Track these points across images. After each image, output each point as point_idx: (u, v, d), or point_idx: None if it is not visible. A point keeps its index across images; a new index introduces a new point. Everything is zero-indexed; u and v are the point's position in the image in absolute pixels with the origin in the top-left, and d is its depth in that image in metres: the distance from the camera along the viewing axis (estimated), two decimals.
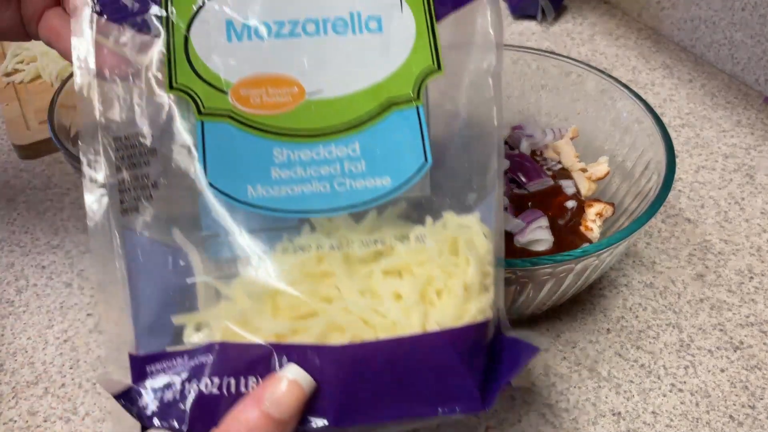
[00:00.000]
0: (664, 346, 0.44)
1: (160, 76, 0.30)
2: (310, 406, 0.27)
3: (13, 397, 0.41)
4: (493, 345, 0.30)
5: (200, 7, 0.31)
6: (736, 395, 0.41)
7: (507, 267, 0.37)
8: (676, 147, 0.61)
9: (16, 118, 0.62)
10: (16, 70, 0.68)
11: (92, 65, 0.31)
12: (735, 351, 0.44)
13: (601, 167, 0.48)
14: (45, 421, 0.40)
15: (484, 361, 0.30)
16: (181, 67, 0.31)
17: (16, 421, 0.40)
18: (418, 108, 0.31)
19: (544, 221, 0.43)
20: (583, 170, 0.48)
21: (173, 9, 0.31)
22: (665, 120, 0.64)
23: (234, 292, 0.29)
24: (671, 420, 0.40)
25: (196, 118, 0.30)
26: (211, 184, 0.29)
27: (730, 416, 0.40)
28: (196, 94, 0.30)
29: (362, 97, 0.31)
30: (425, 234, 0.30)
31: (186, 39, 0.31)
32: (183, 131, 0.30)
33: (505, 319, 0.32)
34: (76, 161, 0.44)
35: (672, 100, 0.66)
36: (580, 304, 0.47)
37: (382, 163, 0.30)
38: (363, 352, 0.28)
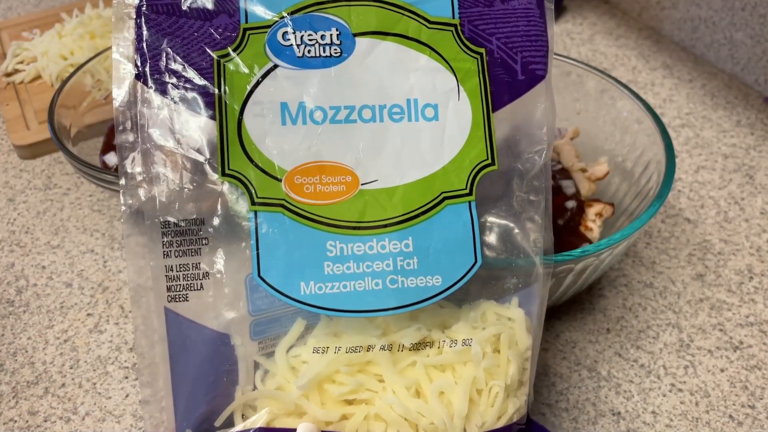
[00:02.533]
0: (664, 346, 0.44)
1: (212, 160, 0.29)
2: None
3: (13, 397, 0.41)
4: None
5: (254, 87, 0.30)
6: (736, 395, 0.41)
7: (505, 266, 0.37)
8: (676, 147, 0.61)
9: (16, 118, 0.62)
10: (16, 70, 0.68)
11: (138, 138, 0.29)
12: (735, 351, 0.44)
13: (601, 167, 0.48)
14: (45, 421, 0.40)
15: None
16: (234, 151, 0.29)
17: (16, 421, 0.40)
18: (470, 204, 0.30)
19: None
20: (583, 170, 0.48)
21: (227, 88, 0.30)
22: (665, 120, 0.64)
23: (279, 370, 0.29)
24: (671, 420, 0.40)
25: (249, 207, 0.29)
26: (264, 280, 0.28)
27: (730, 416, 0.40)
28: (249, 181, 0.29)
29: (416, 188, 0.30)
30: (471, 337, 0.30)
31: (240, 121, 0.29)
32: (235, 221, 0.29)
33: (532, 399, 0.33)
34: (76, 161, 0.44)
35: (672, 100, 0.66)
36: (580, 304, 0.47)
37: (434, 261, 0.30)
38: None
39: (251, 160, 0.29)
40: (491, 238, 0.31)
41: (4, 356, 0.44)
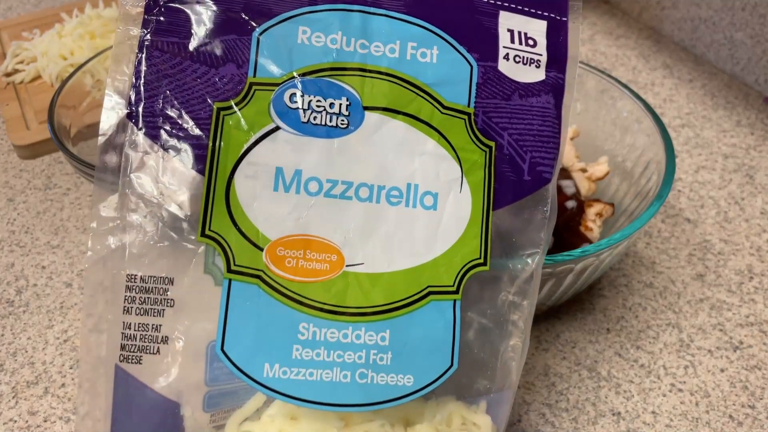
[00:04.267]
0: (664, 346, 0.44)
1: (193, 218, 0.27)
2: None
3: (13, 397, 0.41)
4: None
5: (252, 147, 0.28)
6: (736, 395, 0.41)
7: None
8: (676, 147, 0.61)
9: (16, 118, 0.62)
10: (16, 70, 0.68)
11: (116, 182, 0.27)
12: (735, 351, 0.44)
13: (601, 167, 0.48)
14: (45, 421, 0.40)
15: None
16: (218, 211, 0.27)
17: (16, 421, 0.40)
18: (455, 303, 0.29)
19: None
20: (583, 170, 0.48)
21: (222, 143, 0.28)
22: (665, 120, 0.64)
23: None
24: (671, 420, 0.40)
25: (224, 275, 0.27)
26: (226, 355, 0.27)
27: (730, 416, 0.40)
28: (229, 246, 0.27)
29: (402, 278, 0.29)
30: None
31: (230, 181, 0.28)
32: (207, 287, 0.27)
33: None
34: (76, 161, 0.44)
35: (672, 100, 0.66)
36: (580, 304, 0.47)
37: (409, 359, 0.28)
38: None
39: (235, 224, 0.27)
40: (469, 335, 0.30)
41: (4, 356, 0.43)
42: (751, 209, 0.54)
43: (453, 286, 0.29)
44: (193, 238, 0.27)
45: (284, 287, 0.28)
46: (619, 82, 0.48)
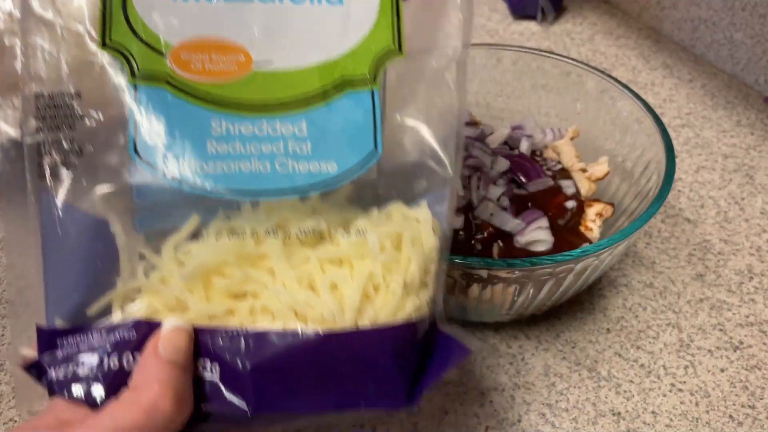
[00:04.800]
0: (664, 346, 0.44)
1: (92, 31, 0.28)
2: (232, 389, 0.26)
3: (12, 397, 0.41)
4: (426, 340, 0.30)
5: None
6: (736, 395, 0.41)
7: (507, 267, 0.37)
8: (676, 147, 0.61)
9: None
10: None
11: (16, 10, 0.28)
12: (735, 351, 0.44)
13: (601, 167, 0.48)
14: None
15: (414, 359, 0.29)
16: (117, 22, 0.28)
17: (16, 421, 0.40)
18: (373, 92, 0.30)
19: (544, 221, 0.43)
20: (583, 170, 0.48)
21: None
22: (665, 120, 0.64)
23: (165, 264, 0.28)
24: (671, 420, 0.40)
25: (129, 80, 0.28)
26: (140, 155, 0.27)
27: (730, 416, 0.40)
28: (131, 54, 0.28)
29: (315, 72, 0.29)
30: (367, 228, 0.29)
31: None
32: (113, 95, 0.28)
33: (441, 312, 0.31)
34: None
35: (672, 100, 0.66)
36: (580, 304, 0.47)
37: (330, 147, 0.29)
38: (290, 341, 0.27)
39: (134, 33, 0.28)
40: (400, 137, 0.30)
41: (4, 356, 0.43)
42: (751, 209, 0.54)
43: (369, 75, 0.30)
44: (94, 49, 0.28)
45: (191, 87, 0.28)
46: (619, 82, 0.48)
